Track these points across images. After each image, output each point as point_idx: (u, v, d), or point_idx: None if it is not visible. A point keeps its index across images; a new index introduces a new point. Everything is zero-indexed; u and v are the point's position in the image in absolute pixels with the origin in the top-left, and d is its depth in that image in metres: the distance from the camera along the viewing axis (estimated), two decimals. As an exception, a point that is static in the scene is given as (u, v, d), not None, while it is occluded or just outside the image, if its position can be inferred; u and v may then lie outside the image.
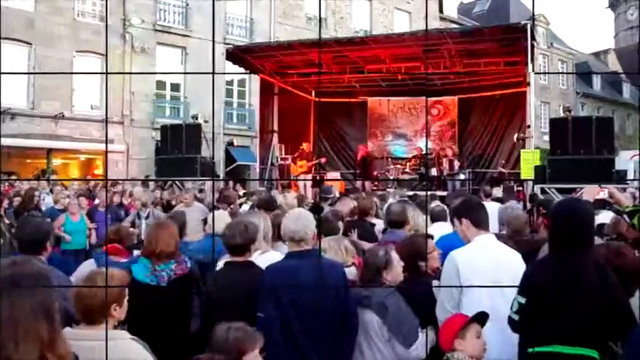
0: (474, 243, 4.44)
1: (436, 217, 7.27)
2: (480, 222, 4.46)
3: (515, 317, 3.60)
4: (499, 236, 5.15)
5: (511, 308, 3.66)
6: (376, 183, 20.94)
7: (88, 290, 3.01)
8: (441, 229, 6.35)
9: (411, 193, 13.80)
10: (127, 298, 3.16)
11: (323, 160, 21.31)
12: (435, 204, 8.13)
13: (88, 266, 4.94)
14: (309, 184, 18.77)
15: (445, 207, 7.26)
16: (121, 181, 17.69)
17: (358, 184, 20.14)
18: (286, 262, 4.07)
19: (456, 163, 19.75)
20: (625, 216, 5.55)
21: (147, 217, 11.04)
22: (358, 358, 4.12)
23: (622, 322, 3.26)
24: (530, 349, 3.55)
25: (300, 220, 4.11)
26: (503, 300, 4.05)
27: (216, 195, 13.64)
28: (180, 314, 4.46)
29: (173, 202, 12.77)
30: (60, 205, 11.90)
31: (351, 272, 4.43)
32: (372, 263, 4.25)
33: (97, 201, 12.81)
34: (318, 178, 20.64)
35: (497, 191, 15.01)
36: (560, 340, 3.42)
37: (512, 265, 4.16)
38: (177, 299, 4.45)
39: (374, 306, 4.05)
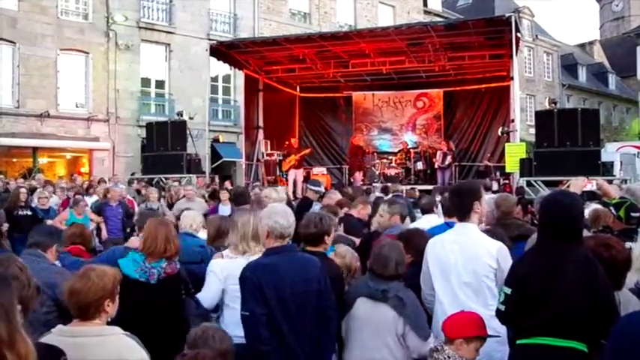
0: (449, 231, 4.51)
1: (425, 209, 7.37)
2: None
3: (502, 308, 3.60)
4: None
5: (498, 299, 3.68)
6: (362, 177, 20.99)
7: (81, 285, 3.02)
8: (429, 221, 6.42)
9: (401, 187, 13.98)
10: (118, 294, 3.18)
11: (308, 150, 21.30)
12: (424, 198, 8.19)
13: None
14: (300, 178, 18.78)
15: (436, 199, 7.33)
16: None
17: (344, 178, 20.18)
18: (267, 259, 3.95)
19: (448, 158, 19.88)
20: (612, 208, 5.62)
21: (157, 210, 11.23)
22: (367, 353, 4.12)
23: (605, 319, 3.19)
24: (518, 341, 3.55)
25: (290, 216, 4.04)
26: (462, 290, 4.13)
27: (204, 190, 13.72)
28: (170, 313, 4.36)
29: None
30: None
31: None
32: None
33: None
34: (306, 173, 20.68)
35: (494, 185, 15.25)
36: (546, 332, 3.39)
37: (473, 256, 4.13)
38: (167, 297, 4.38)
39: (391, 300, 4.04)
